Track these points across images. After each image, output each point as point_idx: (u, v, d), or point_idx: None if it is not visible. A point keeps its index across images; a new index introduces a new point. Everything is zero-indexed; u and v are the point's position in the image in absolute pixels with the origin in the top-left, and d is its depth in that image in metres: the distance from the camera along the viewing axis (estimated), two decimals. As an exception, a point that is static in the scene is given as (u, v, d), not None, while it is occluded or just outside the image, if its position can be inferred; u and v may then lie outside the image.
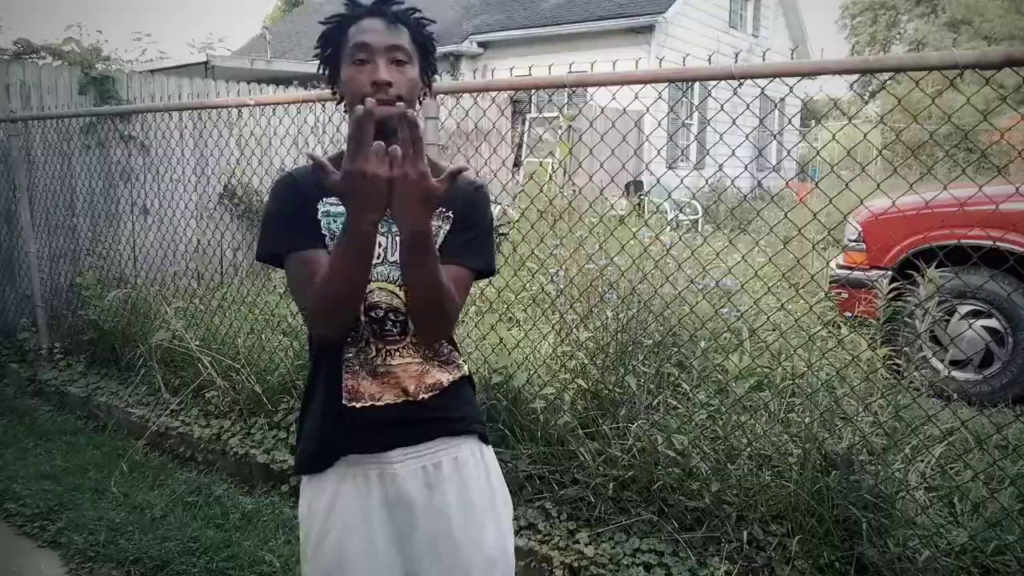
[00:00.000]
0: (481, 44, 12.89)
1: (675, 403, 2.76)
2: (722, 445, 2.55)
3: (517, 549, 1.74)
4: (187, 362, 3.89)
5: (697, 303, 3.03)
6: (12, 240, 5.29)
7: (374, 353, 1.33)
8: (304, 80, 12.36)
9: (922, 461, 2.49)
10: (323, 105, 6.53)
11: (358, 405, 1.33)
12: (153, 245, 5.74)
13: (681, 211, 8.25)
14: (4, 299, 5.32)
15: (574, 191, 3.28)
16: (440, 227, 1.35)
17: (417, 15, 1.36)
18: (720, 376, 2.81)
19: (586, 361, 2.88)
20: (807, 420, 2.44)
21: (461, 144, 5.45)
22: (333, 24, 1.34)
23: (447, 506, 1.36)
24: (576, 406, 2.77)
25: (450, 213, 1.36)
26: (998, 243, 3.23)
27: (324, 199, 1.31)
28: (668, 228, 4.41)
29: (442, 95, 2.76)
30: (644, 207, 6.36)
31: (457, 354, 1.44)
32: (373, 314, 1.32)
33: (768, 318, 3.07)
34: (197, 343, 3.80)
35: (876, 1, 37.85)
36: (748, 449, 2.51)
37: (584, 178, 3.07)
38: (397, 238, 1.27)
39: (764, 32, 15.58)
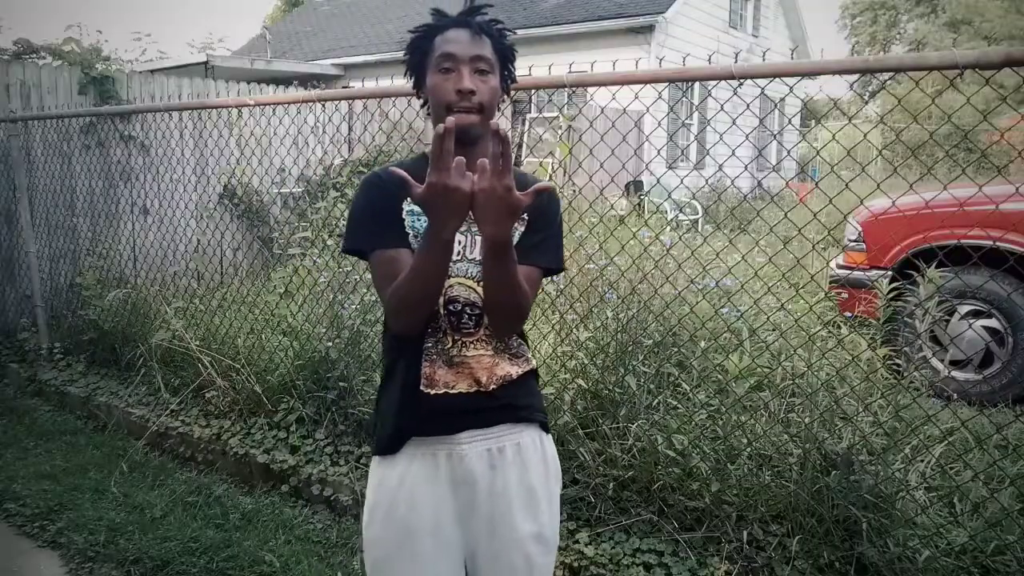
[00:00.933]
0: (481, 44, 12.86)
1: (675, 403, 2.76)
2: (722, 445, 2.55)
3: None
4: (187, 362, 3.89)
5: (697, 303, 3.03)
6: (12, 240, 5.29)
7: (451, 344, 1.42)
8: (304, 80, 12.37)
9: (922, 461, 2.49)
10: (323, 105, 6.52)
11: (432, 392, 1.41)
12: (153, 245, 5.74)
13: (681, 211, 8.25)
14: (4, 299, 5.32)
15: (574, 191, 3.28)
16: (517, 229, 1.42)
17: (500, 26, 1.43)
18: (720, 376, 2.80)
19: (586, 361, 2.88)
20: (807, 420, 2.44)
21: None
22: (421, 33, 1.42)
23: (508, 488, 1.45)
24: (576, 406, 2.77)
25: (524, 216, 1.42)
26: (998, 243, 3.23)
27: (409, 198, 1.38)
28: (668, 228, 4.41)
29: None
30: (644, 207, 6.36)
31: (526, 348, 1.53)
32: (452, 307, 1.41)
33: (768, 318, 3.06)
34: (197, 343, 3.80)
35: (876, 1, 37.83)
36: (748, 449, 2.51)
37: (584, 178, 3.07)
38: (476, 237, 1.38)
39: (764, 32, 15.58)
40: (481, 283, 1.38)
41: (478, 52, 1.37)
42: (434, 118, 1.40)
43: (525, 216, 1.42)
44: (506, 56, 1.44)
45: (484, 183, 1.15)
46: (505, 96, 1.47)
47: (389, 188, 1.38)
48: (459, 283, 1.41)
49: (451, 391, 1.42)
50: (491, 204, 1.16)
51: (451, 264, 1.36)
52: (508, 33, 1.44)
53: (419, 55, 1.43)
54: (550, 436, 1.56)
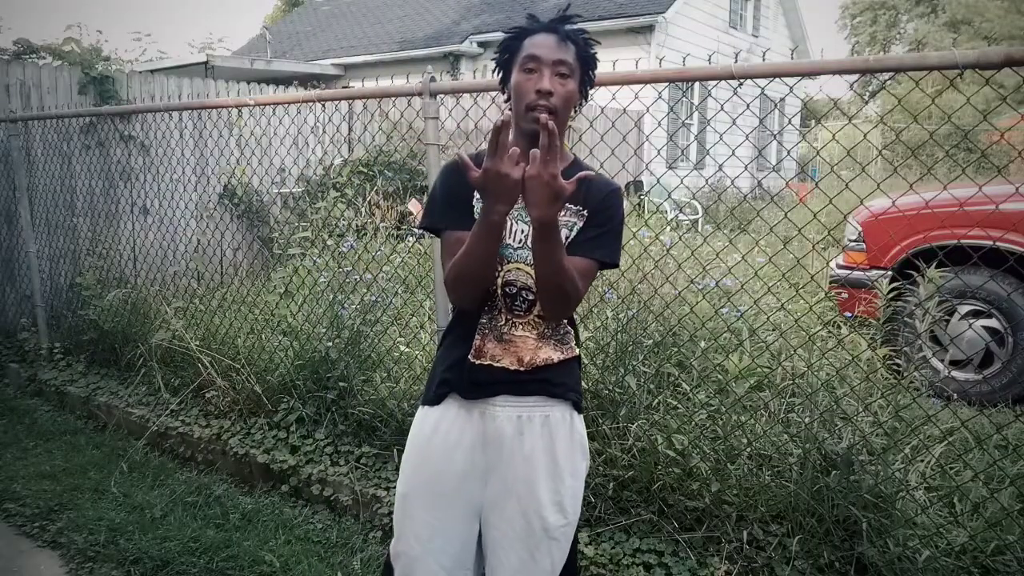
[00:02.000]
0: (481, 44, 12.87)
1: (675, 403, 2.76)
2: (722, 445, 2.55)
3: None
4: (187, 362, 3.89)
5: (697, 303, 3.03)
6: (12, 240, 5.29)
7: (503, 322, 1.58)
8: (304, 80, 12.37)
9: (922, 461, 2.49)
10: (323, 105, 6.53)
11: (478, 362, 1.58)
12: (153, 245, 5.74)
13: (681, 211, 8.24)
14: (4, 299, 5.32)
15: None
16: (575, 223, 1.57)
17: (585, 36, 1.58)
18: (720, 376, 2.81)
19: (586, 361, 2.88)
20: (807, 420, 2.44)
21: (461, 144, 5.45)
22: (513, 35, 1.57)
23: (533, 454, 1.57)
24: (576, 406, 2.77)
25: (585, 211, 1.57)
26: (998, 243, 3.23)
27: None
28: (668, 228, 4.41)
29: (442, 95, 2.76)
30: (644, 207, 6.35)
31: (572, 337, 1.64)
32: (508, 289, 1.56)
33: (768, 318, 3.07)
34: (197, 343, 3.80)
35: (876, 1, 37.83)
36: (748, 449, 2.51)
37: (584, 178, 3.06)
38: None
39: (764, 32, 15.58)
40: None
41: (561, 57, 1.50)
42: (514, 113, 1.54)
43: (585, 212, 1.56)
44: (587, 63, 1.57)
45: (532, 170, 1.30)
46: (582, 100, 1.61)
47: (465, 175, 1.48)
48: (517, 268, 1.56)
49: (495, 364, 1.57)
50: (537, 189, 1.31)
51: (512, 251, 1.55)
52: (593, 42, 1.59)
53: (508, 54, 1.57)
54: (581, 416, 1.66)
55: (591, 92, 1.66)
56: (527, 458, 1.57)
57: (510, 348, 1.57)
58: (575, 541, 1.70)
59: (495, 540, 1.61)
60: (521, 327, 1.57)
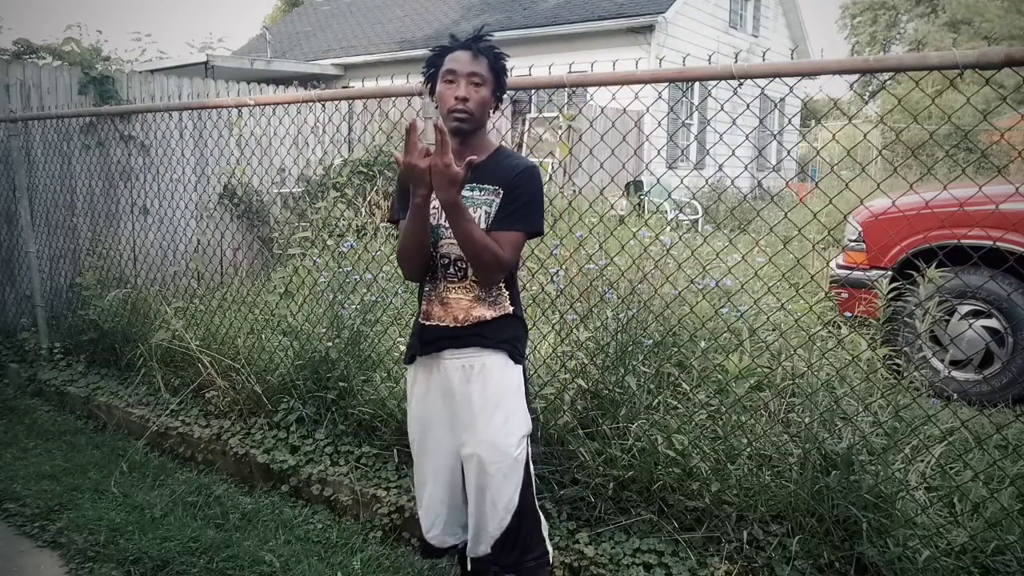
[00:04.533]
0: (481, 44, 12.85)
1: (675, 403, 2.76)
2: (722, 445, 2.55)
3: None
4: (187, 362, 3.89)
5: (697, 303, 3.03)
6: (12, 240, 5.29)
7: (441, 288, 1.90)
8: (304, 80, 12.38)
9: (922, 461, 2.49)
10: (323, 105, 6.53)
11: (428, 323, 1.93)
12: (153, 245, 5.74)
13: (681, 211, 8.24)
14: (4, 299, 5.32)
15: (574, 191, 3.28)
16: (494, 200, 1.85)
17: (495, 50, 1.86)
18: (720, 376, 2.80)
19: (586, 361, 2.88)
20: (807, 420, 2.44)
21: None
22: (436, 52, 1.89)
23: (472, 396, 1.89)
24: (576, 406, 2.77)
25: (499, 189, 1.85)
26: (998, 243, 3.23)
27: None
28: (668, 228, 4.41)
29: (442, 95, 2.75)
30: (644, 207, 6.35)
31: (506, 298, 1.92)
32: (443, 260, 1.89)
33: (768, 318, 3.06)
34: (197, 343, 3.80)
35: (876, 1, 37.82)
36: (748, 449, 2.51)
37: (584, 178, 3.07)
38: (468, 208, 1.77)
39: (764, 32, 15.58)
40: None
41: (474, 69, 1.81)
42: (441, 115, 1.83)
43: (499, 189, 1.84)
44: (499, 73, 1.87)
45: (431, 161, 1.63)
46: (496, 104, 1.91)
47: None
48: (448, 242, 1.86)
49: (440, 324, 1.90)
50: (436, 176, 1.64)
51: (444, 229, 1.84)
52: (504, 55, 1.88)
53: (433, 68, 1.88)
54: (520, 367, 1.94)
55: (512, 94, 2.03)
56: (469, 402, 1.88)
57: (448, 309, 1.89)
58: (528, 479, 1.93)
59: (466, 476, 1.93)
60: (455, 291, 1.89)
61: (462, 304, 1.88)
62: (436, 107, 1.83)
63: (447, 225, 1.79)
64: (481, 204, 1.85)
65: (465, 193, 1.73)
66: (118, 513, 3.02)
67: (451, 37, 1.87)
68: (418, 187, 1.68)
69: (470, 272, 1.85)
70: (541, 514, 2.06)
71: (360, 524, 2.89)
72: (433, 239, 1.87)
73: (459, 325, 1.88)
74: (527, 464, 1.94)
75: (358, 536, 2.82)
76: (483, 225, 1.82)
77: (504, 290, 1.92)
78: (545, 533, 2.05)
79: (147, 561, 2.68)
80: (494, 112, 1.93)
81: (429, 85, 1.90)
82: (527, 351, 2.08)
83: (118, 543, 2.80)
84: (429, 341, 1.92)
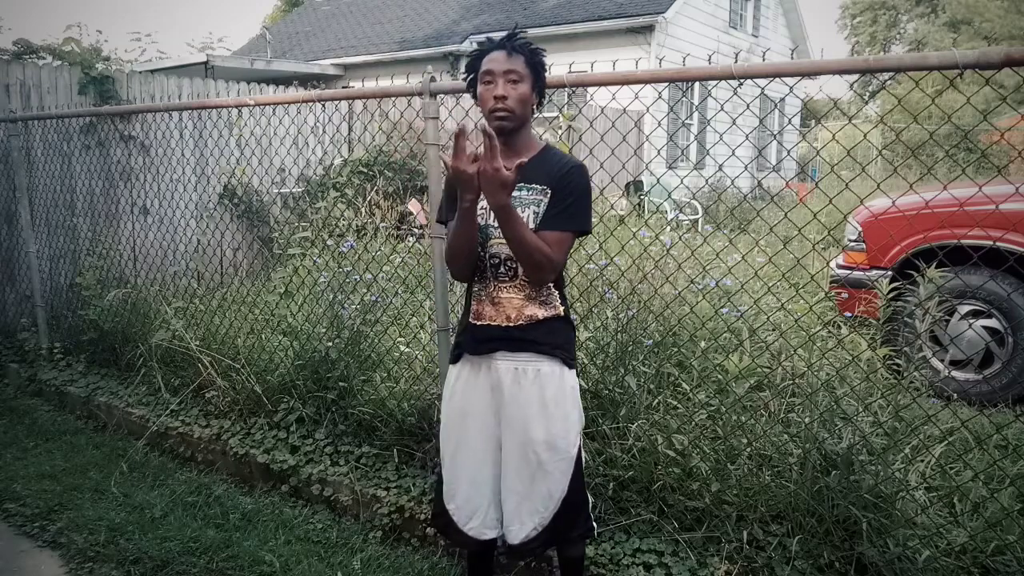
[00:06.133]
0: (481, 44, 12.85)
1: (675, 403, 2.75)
2: (722, 445, 2.55)
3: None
4: (187, 362, 3.89)
5: (697, 303, 3.03)
6: (12, 240, 5.29)
7: (492, 288, 1.92)
8: (304, 80, 12.37)
9: (922, 461, 2.49)
10: (323, 105, 6.53)
11: (478, 323, 1.94)
12: (153, 245, 5.74)
13: (681, 211, 8.24)
14: (4, 299, 5.31)
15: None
16: (542, 200, 1.87)
17: (532, 47, 1.88)
18: (720, 376, 2.80)
19: (586, 361, 2.88)
20: (807, 420, 2.44)
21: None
22: (473, 56, 1.92)
23: (527, 400, 1.91)
24: (576, 406, 2.77)
25: (547, 188, 1.86)
26: (998, 243, 3.23)
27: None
28: (668, 228, 4.41)
29: (442, 95, 2.76)
30: (644, 207, 6.35)
31: (556, 298, 1.95)
32: (493, 260, 1.91)
33: (768, 318, 3.06)
34: (197, 343, 3.80)
35: (876, 1, 37.82)
36: (748, 449, 2.51)
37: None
38: (516, 209, 1.79)
39: (764, 32, 15.57)
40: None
41: (510, 67, 1.83)
42: (484, 117, 1.88)
43: (547, 189, 1.85)
44: (537, 69, 1.88)
45: (481, 166, 1.65)
46: (538, 100, 1.93)
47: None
48: (499, 243, 1.87)
49: (492, 323, 1.92)
50: (485, 181, 1.66)
51: (494, 229, 1.86)
52: (540, 51, 1.89)
53: (472, 72, 1.92)
54: (573, 371, 1.97)
55: (549, 92, 2.00)
56: (522, 404, 1.91)
57: (500, 309, 1.91)
58: (579, 468, 1.99)
59: (504, 468, 1.97)
60: (507, 290, 1.90)
61: (514, 303, 1.90)
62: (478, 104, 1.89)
63: (496, 225, 1.82)
64: (529, 204, 1.86)
65: (513, 193, 1.73)
66: (118, 513, 3.02)
67: (487, 39, 1.90)
68: (466, 192, 1.71)
69: (520, 271, 1.87)
70: (588, 494, 2.14)
71: (360, 524, 2.89)
72: (482, 239, 1.89)
73: (512, 324, 1.90)
74: (579, 454, 2.00)
75: (358, 536, 2.82)
76: (531, 225, 1.84)
77: (554, 289, 1.94)
78: (590, 510, 2.13)
79: (147, 561, 2.68)
80: (537, 108, 1.94)
81: (472, 89, 1.93)
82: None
83: (118, 543, 2.80)
84: (481, 341, 1.93)
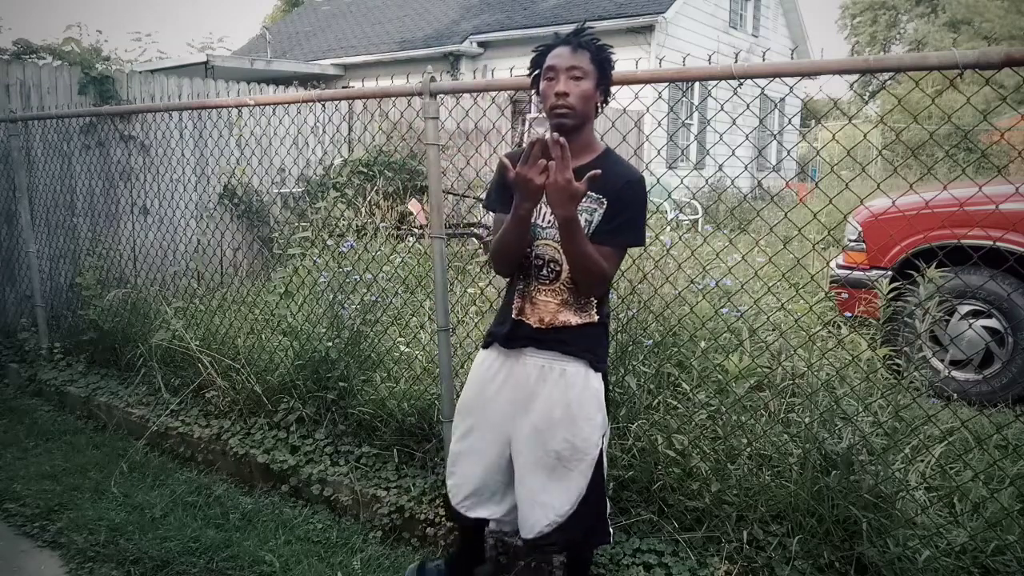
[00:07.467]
0: (481, 44, 12.87)
1: (675, 403, 2.76)
2: (722, 445, 2.55)
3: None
4: (187, 362, 3.89)
5: (697, 303, 3.03)
6: (12, 240, 5.29)
7: (532, 288, 1.93)
8: (304, 80, 12.37)
9: (922, 461, 2.49)
10: (323, 105, 6.53)
11: (515, 317, 1.96)
12: (153, 245, 5.74)
13: (681, 211, 8.23)
14: (4, 299, 5.31)
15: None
16: (595, 208, 1.85)
17: (598, 43, 1.85)
18: (720, 376, 2.80)
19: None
20: (807, 420, 2.44)
21: (461, 144, 5.45)
22: (538, 52, 1.90)
23: (552, 399, 1.92)
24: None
25: (604, 200, 1.84)
26: (998, 243, 3.23)
27: None
28: (668, 228, 4.41)
29: (442, 95, 2.76)
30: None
31: (592, 306, 1.93)
32: (536, 261, 1.91)
33: (768, 318, 3.06)
34: (197, 343, 3.80)
35: (876, 1, 37.82)
36: (748, 449, 2.51)
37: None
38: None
39: (764, 32, 15.58)
40: (562, 248, 1.83)
41: (574, 63, 1.80)
42: (545, 113, 1.86)
43: (604, 200, 1.83)
44: (603, 66, 1.85)
45: (551, 178, 1.64)
46: (603, 98, 1.89)
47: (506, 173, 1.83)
48: (545, 244, 1.89)
49: (526, 321, 1.94)
50: (555, 192, 1.65)
51: (542, 229, 1.88)
52: (607, 47, 1.88)
53: (537, 68, 1.89)
54: (599, 374, 1.95)
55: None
56: (545, 402, 1.91)
57: (535, 309, 1.92)
58: (599, 470, 1.98)
59: (522, 462, 1.97)
60: (544, 292, 1.91)
61: (549, 307, 1.91)
62: (542, 112, 1.88)
63: (544, 224, 1.85)
64: (582, 212, 1.83)
65: None
66: (118, 513, 3.02)
67: (555, 35, 1.88)
68: (525, 199, 1.71)
69: (563, 275, 1.87)
70: (608, 503, 2.17)
71: (360, 524, 2.89)
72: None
73: (542, 327, 1.91)
74: (601, 456, 1.99)
75: (358, 536, 2.82)
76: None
77: (592, 298, 1.93)
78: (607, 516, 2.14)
79: (147, 561, 2.68)
80: (602, 107, 1.91)
81: (535, 85, 1.90)
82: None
83: (118, 543, 2.80)
84: (513, 337, 1.96)
